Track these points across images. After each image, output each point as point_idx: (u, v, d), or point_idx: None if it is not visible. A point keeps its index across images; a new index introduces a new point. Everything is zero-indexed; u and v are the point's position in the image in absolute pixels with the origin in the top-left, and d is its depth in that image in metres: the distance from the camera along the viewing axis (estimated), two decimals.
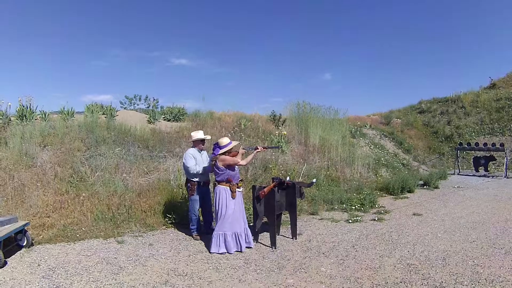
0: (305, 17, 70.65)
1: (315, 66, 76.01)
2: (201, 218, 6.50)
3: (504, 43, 63.42)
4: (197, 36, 72.02)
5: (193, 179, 6.07)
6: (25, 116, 8.97)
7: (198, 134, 6.23)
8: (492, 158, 15.32)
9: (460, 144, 16.06)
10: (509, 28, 62.36)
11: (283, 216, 6.74)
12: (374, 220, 7.51)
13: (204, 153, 6.26)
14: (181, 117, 11.56)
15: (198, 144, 6.20)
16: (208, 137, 6.44)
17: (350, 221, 7.39)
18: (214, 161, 5.53)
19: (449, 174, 14.59)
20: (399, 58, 70.89)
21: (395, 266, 4.91)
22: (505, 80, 22.96)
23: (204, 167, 6.04)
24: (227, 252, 5.41)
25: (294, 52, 74.56)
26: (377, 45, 70.30)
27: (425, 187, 11.62)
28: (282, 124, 12.95)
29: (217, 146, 5.59)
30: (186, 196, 7.23)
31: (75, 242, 5.85)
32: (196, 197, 6.13)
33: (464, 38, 64.12)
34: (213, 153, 5.64)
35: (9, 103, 9.14)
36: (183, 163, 6.12)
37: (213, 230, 5.71)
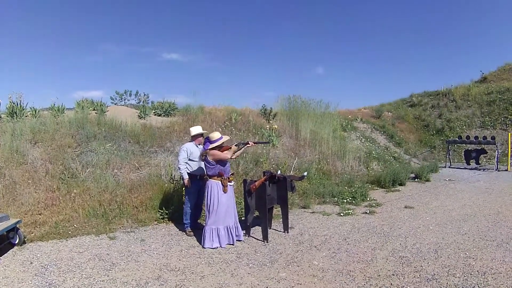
0: (298, 11, 70.53)
1: (308, 60, 76.04)
2: None
3: (495, 37, 63.97)
4: (189, 30, 71.61)
5: (184, 172, 6.10)
6: (16, 113, 8.86)
7: (198, 129, 6.32)
8: (483, 151, 15.44)
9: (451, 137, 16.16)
10: (500, 22, 62.82)
11: (274, 209, 6.75)
12: (366, 213, 7.57)
13: (201, 147, 6.30)
14: (171, 112, 11.51)
15: (197, 138, 6.28)
16: (206, 131, 6.56)
17: (341, 214, 7.44)
18: (204, 156, 5.54)
19: (440, 167, 14.69)
20: (390, 51, 71.17)
21: (387, 259, 4.96)
22: (496, 74, 23.23)
23: (198, 161, 6.10)
24: (220, 246, 5.44)
25: (287, 46, 74.54)
26: (368, 39, 70.46)
27: (416, 180, 11.70)
28: (273, 118, 12.92)
29: (207, 140, 5.60)
30: (179, 190, 7.23)
31: (67, 239, 5.82)
32: (191, 190, 6.15)
33: (455, 32, 64.52)
34: (203, 147, 5.65)
35: None
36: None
37: (199, 225, 5.69)
